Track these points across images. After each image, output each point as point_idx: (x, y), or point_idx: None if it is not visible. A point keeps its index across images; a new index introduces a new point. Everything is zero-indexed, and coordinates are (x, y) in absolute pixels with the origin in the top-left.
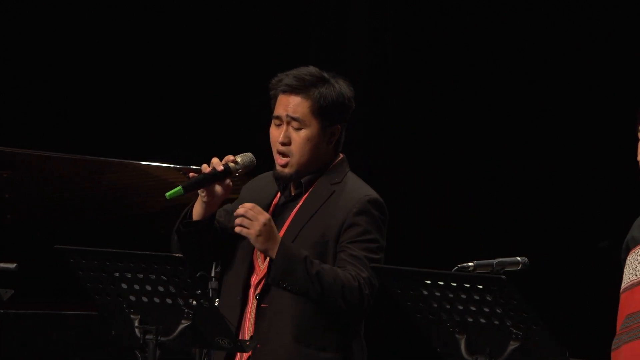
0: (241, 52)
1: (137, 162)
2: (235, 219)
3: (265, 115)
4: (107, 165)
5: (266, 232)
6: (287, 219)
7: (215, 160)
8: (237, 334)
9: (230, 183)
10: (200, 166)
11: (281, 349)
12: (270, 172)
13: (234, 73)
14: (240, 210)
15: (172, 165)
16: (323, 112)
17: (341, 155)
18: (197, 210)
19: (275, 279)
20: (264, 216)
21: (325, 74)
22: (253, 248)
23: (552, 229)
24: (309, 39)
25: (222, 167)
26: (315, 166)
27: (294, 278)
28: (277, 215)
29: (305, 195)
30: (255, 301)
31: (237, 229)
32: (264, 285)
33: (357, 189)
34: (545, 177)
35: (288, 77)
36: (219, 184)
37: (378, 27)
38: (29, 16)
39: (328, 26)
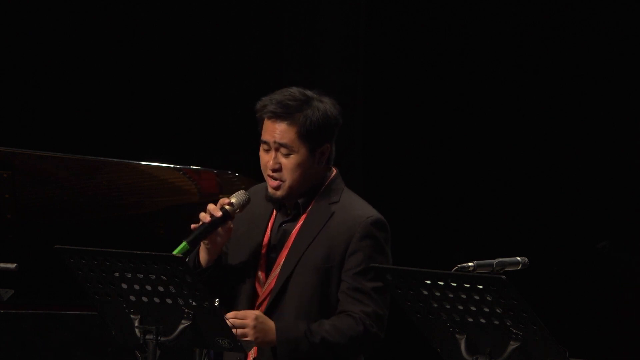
0: (237, 54)
1: (136, 162)
2: (233, 242)
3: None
4: (106, 165)
5: (261, 331)
6: (286, 241)
7: (211, 206)
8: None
9: (231, 225)
10: (199, 166)
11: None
12: (262, 186)
13: (232, 73)
14: (230, 321)
15: (171, 165)
16: (310, 135)
17: (334, 171)
18: (204, 258)
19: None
20: (250, 318)
21: (309, 94)
22: (255, 273)
23: (552, 229)
24: (282, 40)
25: (220, 213)
26: (308, 186)
27: (301, 355)
28: (276, 237)
29: (304, 217)
30: None
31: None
32: (266, 306)
33: (357, 209)
34: (545, 178)
35: (272, 104)
36: (220, 229)
37: (350, 27)
38: (28, 16)
39: (301, 26)
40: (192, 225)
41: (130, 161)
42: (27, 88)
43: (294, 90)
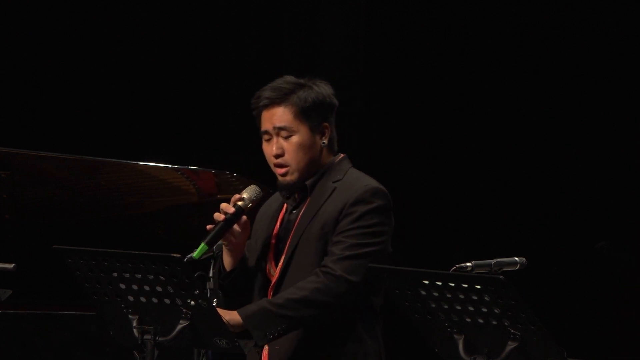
0: (237, 54)
1: (135, 162)
2: (253, 243)
3: None
4: (104, 165)
5: (222, 311)
6: (295, 222)
7: (223, 205)
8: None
9: (247, 219)
10: (199, 166)
11: (293, 345)
12: (277, 194)
13: (232, 73)
14: None
15: (169, 166)
16: (307, 113)
17: (342, 155)
18: (227, 260)
19: (261, 337)
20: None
21: (302, 80)
22: (266, 264)
23: (551, 229)
24: (282, 41)
25: (233, 209)
26: (316, 168)
27: (271, 320)
28: (286, 223)
29: (309, 198)
30: None
31: None
32: (274, 289)
33: (357, 181)
34: (544, 178)
35: (266, 91)
36: (236, 225)
37: (350, 27)
38: (28, 16)
39: (301, 26)
40: (208, 226)
41: (130, 161)
42: (27, 88)
43: (287, 77)
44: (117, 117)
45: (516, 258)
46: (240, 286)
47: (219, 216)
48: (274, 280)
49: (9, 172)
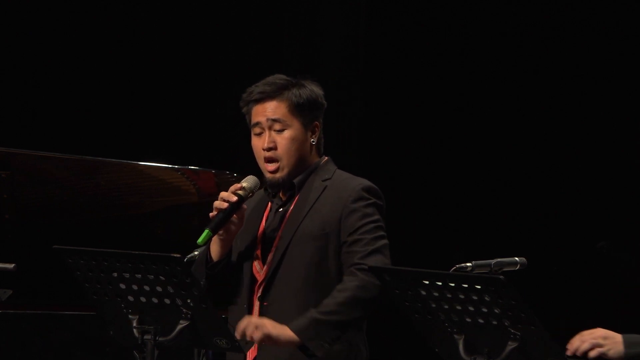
0: (237, 54)
1: (135, 162)
2: (238, 240)
3: None
4: (104, 165)
5: (275, 326)
6: (283, 220)
7: (224, 193)
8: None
9: (245, 207)
10: (199, 166)
11: (283, 349)
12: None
13: (232, 73)
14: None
15: (169, 166)
16: (301, 109)
17: (326, 157)
18: (216, 250)
19: (318, 347)
20: (257, 321)
21: (294, 79)
22: (252, 261)
23: (551, 229)
24: (282, 41)
25: (235, 197)
26: (304, 166)
27: (325, 329)
28: (272, 221)
29: (298, 196)
30: (258, 303)
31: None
32: (264, 287)
33: (349, 180)
34: (544, 178)
35: (259, 86)
36: (235, 216)
37: (350, 27)
38: (28, 16)
39: (301, 26)
40: (211, 214)
41: (130, 161)
42: (27, 88)
43: (280, 75)
44: (117, 117)
45: (516, 258)
46: (225, 278)
47: (220, 204)
48: (261, 278)
49: (9, 172)
